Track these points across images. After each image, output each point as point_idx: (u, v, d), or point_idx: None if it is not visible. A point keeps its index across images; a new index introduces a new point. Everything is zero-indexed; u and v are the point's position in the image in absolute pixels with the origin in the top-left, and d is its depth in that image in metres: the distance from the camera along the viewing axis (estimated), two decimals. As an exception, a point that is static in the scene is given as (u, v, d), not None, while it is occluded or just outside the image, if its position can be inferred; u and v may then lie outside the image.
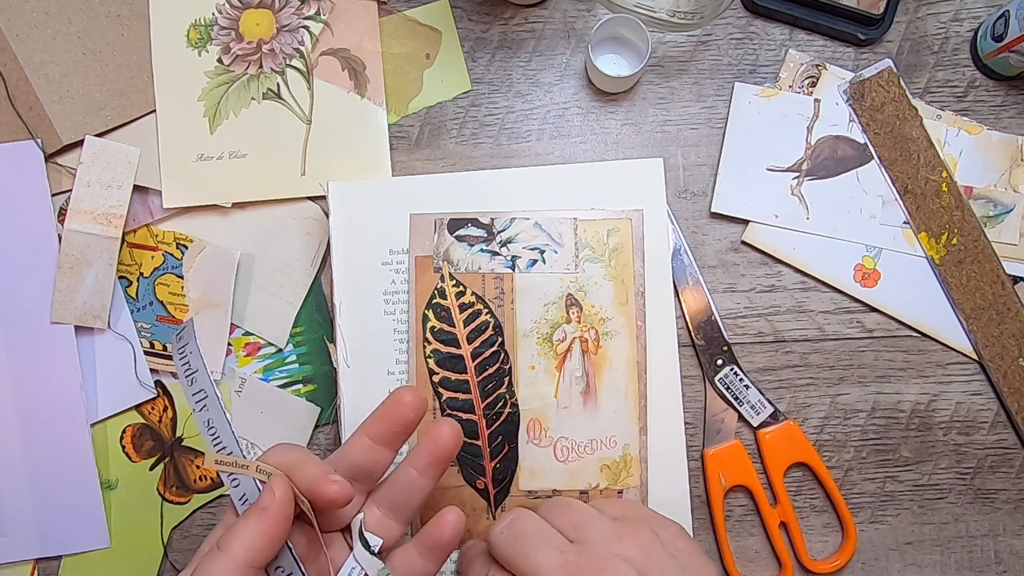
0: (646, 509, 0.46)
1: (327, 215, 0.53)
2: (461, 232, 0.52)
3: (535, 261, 0.52)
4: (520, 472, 0.51)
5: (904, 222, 0.54)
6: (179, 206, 0.54)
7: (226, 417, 0.39)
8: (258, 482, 0.38)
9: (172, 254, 0.55)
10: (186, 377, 0.40)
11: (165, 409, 0.54)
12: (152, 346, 0.54)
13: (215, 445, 0.39)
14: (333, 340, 0.52)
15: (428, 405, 0.50)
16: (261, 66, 0.55)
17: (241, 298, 0.54)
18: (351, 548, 0.41)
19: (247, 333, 0.54)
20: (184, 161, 0.55)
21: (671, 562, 0.39)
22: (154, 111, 0.55)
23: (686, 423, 0.52)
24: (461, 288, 0.51)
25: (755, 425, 0.53)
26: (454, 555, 0.50)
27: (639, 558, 0.38)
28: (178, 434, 0.54)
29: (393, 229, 0.52)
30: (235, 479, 0.39)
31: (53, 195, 0.54)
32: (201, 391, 0.40)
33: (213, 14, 0.56)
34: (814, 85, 0.55)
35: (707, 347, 0.53)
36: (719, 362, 0.53)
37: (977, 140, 0.54)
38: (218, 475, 0.41)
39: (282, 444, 0.40)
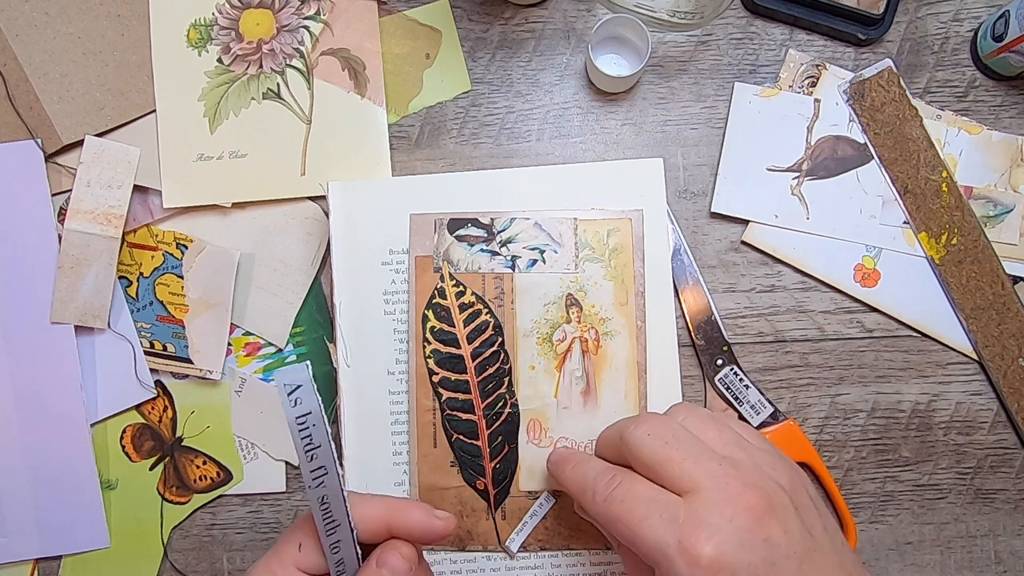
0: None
1: (327, 215, 0.53)
2: (461, 232, 0.52)
3: (535, 261, 0.52)
4: (520, 472, 0.51)
5: (904, 222, 0.54)
6: (179, 206, 0.54)
7: (343, 494, 0.35)
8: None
9: (172, 254, 0.55)
10: (306, 453, 0.34)
11: (165, 409, 0.54)
12: (152, 346, 0.54)
13: (324, 521, 0.36)
14: (333, 340, 0.52)
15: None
16: (261, 66, 0.55)
17: (241, 298, 0.54)
18: None
19: (247, 333, 0.54)
20: (184, 161, 0.55)
21: (813, 505, 0.38)
22: (154, 111, 0.55)
23: (686, 423, 0.52)
24: (461, 288, 0.51)
25: (755, 425, 0.53)
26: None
27: (790, 490, 0.37)
28: (178, 434, 0.54)
29: (393, 229, 0.52)
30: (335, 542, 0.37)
31: (53, 195, 0.54)
32: (321, 468, 0.35)
33: (213, 14, 0.56)
34: (814, 85, 0.55)
35: (707, 347, 0.53)
36: (719, 362, 0.53)
37: (977, 140, 0.54)
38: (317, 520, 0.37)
39: (361, 496, 0.39)
